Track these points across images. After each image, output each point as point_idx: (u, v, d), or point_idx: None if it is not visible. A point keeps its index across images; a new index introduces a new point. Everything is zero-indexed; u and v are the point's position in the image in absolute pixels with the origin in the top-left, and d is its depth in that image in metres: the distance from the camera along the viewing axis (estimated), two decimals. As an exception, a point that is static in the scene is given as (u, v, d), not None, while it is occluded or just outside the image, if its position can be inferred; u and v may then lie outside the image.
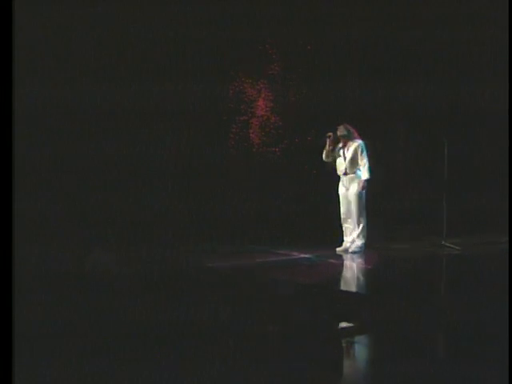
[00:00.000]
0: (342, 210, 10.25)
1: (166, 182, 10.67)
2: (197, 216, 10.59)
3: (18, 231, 6.09)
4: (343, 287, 9.14)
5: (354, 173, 10.16)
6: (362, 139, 10.21)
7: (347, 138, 10.17)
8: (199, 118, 10.92)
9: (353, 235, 10.20)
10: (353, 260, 9.98)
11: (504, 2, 9.91)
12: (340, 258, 10.06)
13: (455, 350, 6.57)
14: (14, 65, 6.06)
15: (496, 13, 10.84)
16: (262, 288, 8.26)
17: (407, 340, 6.60)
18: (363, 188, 10.12)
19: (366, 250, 10.18)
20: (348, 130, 10.17)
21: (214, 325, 6.78)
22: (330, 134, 10.21)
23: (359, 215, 10.13)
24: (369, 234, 10.20)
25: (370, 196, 10.22)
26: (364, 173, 10.10)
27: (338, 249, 10.23)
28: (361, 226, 10.14)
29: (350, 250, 10.17)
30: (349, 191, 10.19)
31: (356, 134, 10.21)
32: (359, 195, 10.13)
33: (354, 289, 9.08)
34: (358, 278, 9.53)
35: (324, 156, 10.31)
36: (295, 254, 10.14)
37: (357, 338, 7.03)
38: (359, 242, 10.17)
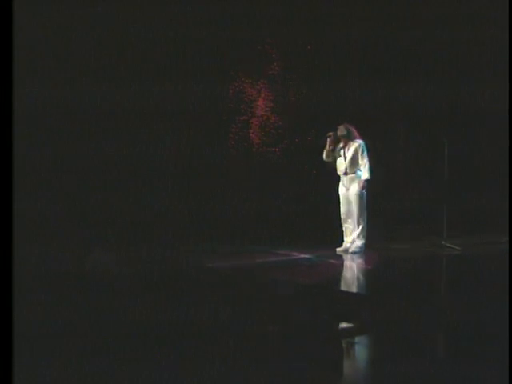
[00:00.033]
0: (342, 210, 10.25)
1: (165, 182, 10.67)
2: (197, 216, 10.59)
3: (18, 231, 6.10)
4: (343, 287, 9.13)
5: (355, 173, 10.16)
6: (363, 139, 10.21)
7: (347, 138, 10.17)
8: (199, 117, 10.92)
9: (353, 235, 10.20)
10: (353, 260, 9.98)
11: (504, 2, 9.91)
12: (340, 258, 10.05)
13: (455, 350, 6.56)
14: (14, 65, 6.06)
15: (496, 13, 10.84)
16: (262, 288, 8.26)
17: (407, 340, 6.59)
18: (363, 188, 10.11)
19: (366, 251, 10.17)
20: (348, 130, 10.16)
21: (214, 325, 6.78)
22: (331, 133, 10.20)
23: (359, 215, 10.13)
24: (369, 234, 10.20)
25: (370, 196, 10.22)
26: (364, 173, 10.10)
27: (338, 249, 10.23)
28: (361, 226, 10.14)
29: (350, 251, 10.17)
30: (349, 191, 10.18)
31: (356, 134, 10.20)
32: (360, 195, 10.13)
33: (354, 289, 9.08)
34: (358, 279, 9.53)
35: (324, 156, 10.31)
36: (295, 254, 10.13)
37: (357, 339, 7.03)
38: (359, 243, 10.16)
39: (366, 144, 10.18)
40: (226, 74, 11.24)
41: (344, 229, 10.28)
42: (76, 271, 8.58)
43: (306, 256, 10.01)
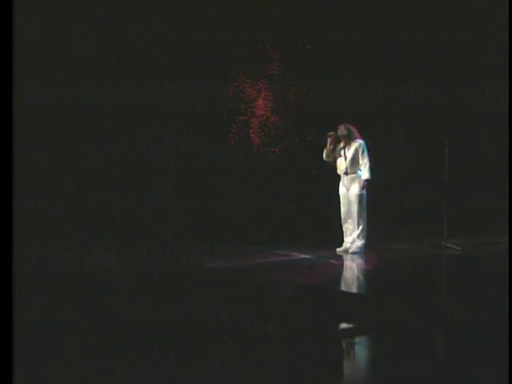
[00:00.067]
0: (343, 210, 10.24)
1: (166, 182, 10.67)
2: (197, 216, 10.59)
3: (18, 231, 6.10)
4: (343, 288, 9.13)
5: (355, 172, 10.15)
6: (363, 139, 10.20)
7: (348, 138, 10.16)
8: (199, 117, 10.92)
9: (353, 236, 10.19)
10: (353, 261, 9.97)
11: (504, 2, 9.91)
12: (340, 258, 10.05)
13: (455, 350, 6.56)
14: (14, 65, 6.06)
15: (496, 13, 10.84)
16: (262, 288, 8.26)
17: (407, 340, 6.59)
18: (363, 187, 10.11)
19: (367, 251, 10.17)
20: (349, 130, 10.16)
21: (214, 325, 6.78)
22: (332, 133, 10.19)
23: (359, 216, 10.12)
24: (369, 234, 10.19)
25: (370, 196, 10.22)
26: (365, 173, 10.09)
27: (338, 249, 10.22)
28: (361, 226, 10.13)
29: (351, 251, 10.17)
30: (349, 191, 10.18)
31: (357, 134, 10.19)
32: (360, 195, 10.12)
33: (354, 289, 9.07)
34: (358, 279, 9.53)
35: (325, 155, 10.30)
36: (295, 254, 10.13)
37: (357, 339, 7.03)
38: (359, 243, 10.16)
39: (367, 144, 10.18)
40: (226, 74, 11.24)
41: (344, 229, 10.27)
42: (76, 271, 8.58)
43: (306, 256, 10.01)
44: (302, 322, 7.07)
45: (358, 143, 10.15)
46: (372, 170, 10.10)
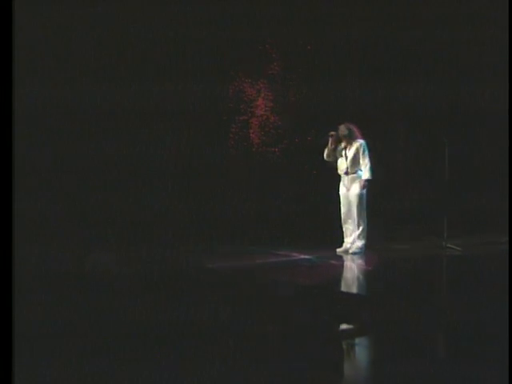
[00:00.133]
0: (343, 210, 10.23)
1: (166, 182, 10.67)
2: (197, 216, 10.59)
3: (18, 231, 6.09)
4: (343, 288, 9.13)
5: (356, 172, 10.14)
6: (364, 139, 10.19)
7: (349, 138, 10.15)
8: (199, 117, 10.92)
9: (353, 236, 10.18)
10: (353, 261, 9.97)
11: (504, 2, 9.91)
12: (340, 258, 10.04)
13: (455, 350, 6.56)
14: (14, 65, 6.06)
15: (496, 13, 10.84)
16: (262, 288, 8.26)
17: (407, 340, 6.59)
18: (364, 187, 10.10)
19: (367, 251, 10.17)
20: (349, 130, 10.15)
21: (214, 325, 6.78)
22: (333, 132, 10.18)
23: (360, 216, 10.11)
24: (369, 234, 10.18)
25: (370, 196, 10.21)
26: (365, 173, 10.09)
27: (338, 250, 10.22)
28: (361, 227, 10.13)
29: (351, 251, 10.16)
30: (350, 191, 10.17)
31: (358, 134, 10.18)
32: (360, 196, 10.11)
33: (354, 290, 9.07)
34: (358, 279, 9.53)
35: (325, 155, 10.29)
36: (295, 254, 10.13)
37: (357, 339, 7.03)
38: (359, 243, 10.15)
39: (368, 144, 10.18)
40: (226, 74, 11.24)
41: (344, 229, 10.27)
42: (76, 271, 8.58)
43: (306, 257, 10.01)
44: (301, 322, 7.07)
45: (359, 143, 10.14)
46: (373, 170, 10.10)
